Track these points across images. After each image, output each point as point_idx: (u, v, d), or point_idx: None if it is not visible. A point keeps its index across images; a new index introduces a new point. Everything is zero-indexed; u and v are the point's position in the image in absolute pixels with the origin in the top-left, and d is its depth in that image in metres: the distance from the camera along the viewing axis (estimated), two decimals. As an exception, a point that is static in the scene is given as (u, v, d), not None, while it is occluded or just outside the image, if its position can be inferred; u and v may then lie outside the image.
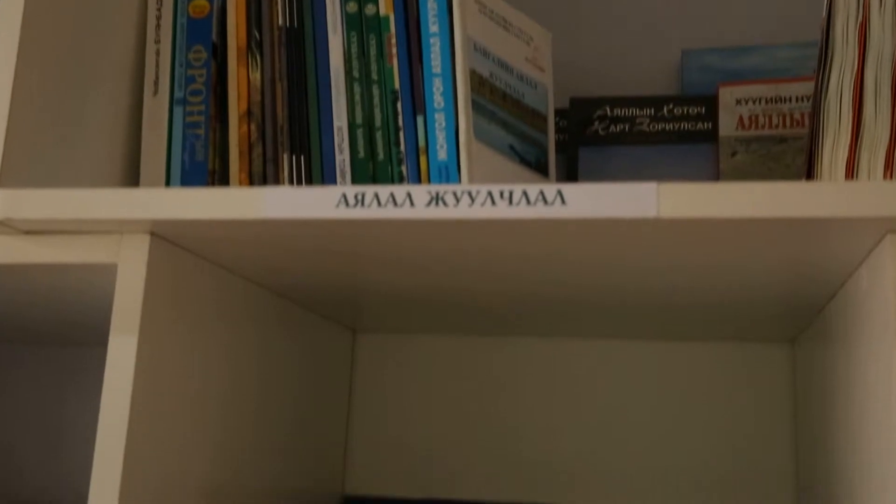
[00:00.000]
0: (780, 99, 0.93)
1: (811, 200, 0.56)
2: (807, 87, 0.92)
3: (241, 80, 0.82)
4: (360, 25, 0.80)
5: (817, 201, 0.56)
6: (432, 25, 0.78)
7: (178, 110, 0.83)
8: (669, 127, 0.97)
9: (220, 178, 0.81)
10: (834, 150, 0.68)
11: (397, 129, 0.78)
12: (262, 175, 0.80)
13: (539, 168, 0.87)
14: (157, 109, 0.84)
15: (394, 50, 0.79)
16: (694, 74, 1.01)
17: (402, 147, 0.78)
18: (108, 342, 0.67)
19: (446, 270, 0.75)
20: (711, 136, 0.95)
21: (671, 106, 0.97)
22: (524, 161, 0.85)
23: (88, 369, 1.21)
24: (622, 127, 0.98)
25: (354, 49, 0.80)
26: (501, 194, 0.60)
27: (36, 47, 0.74)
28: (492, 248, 0.68)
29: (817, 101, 0.71)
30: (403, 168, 0.77)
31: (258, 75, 0.82)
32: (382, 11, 0.80)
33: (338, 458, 1.08)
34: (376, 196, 0.61)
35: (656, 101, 0.98)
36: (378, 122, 0.79)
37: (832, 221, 0.56)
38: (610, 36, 1.12)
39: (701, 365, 1.04)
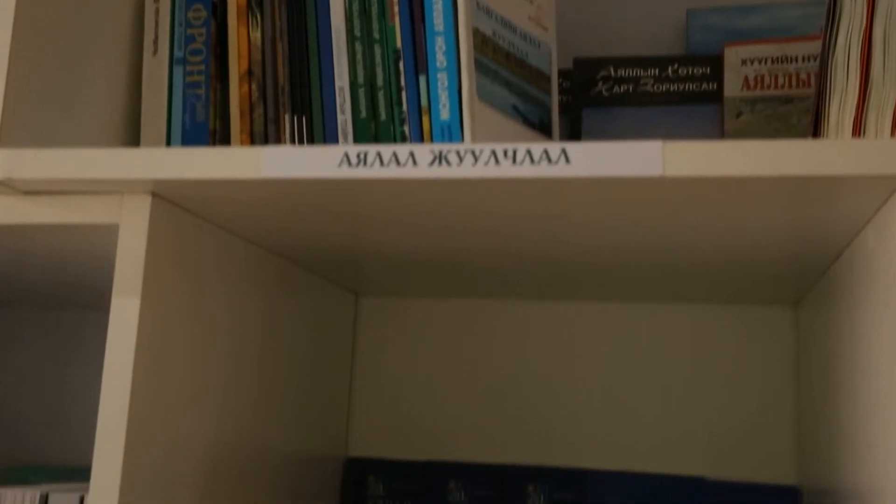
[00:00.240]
0: (787, 59, 0.92)
1: (818, 158, 0.55)
2: (813, 47, 0.91)
3: (241, 39, 0.81)
4: (362, -17, 0.79)
5: (824, 159, 0.55)
6: (435, -17, 0.77)
7: (177, 70, 0.83)
8: (674, 87, 0.96)
9: (221, 138, 0.81)
10: (841, 108, 0.67)
11: (399, 89, 0.77)
12: (264, 135, 0.80)
13: (542, 129, 0.86)
14: (156, 69, 0.83)
15: (395, 8, 0.78)
16: (699, 34, 1.00)
17: (405, 107, 0.77)
18: (111, 303, 0.67)
19: (449, 231, 0.75)
20: (716, 96, 0.95)
21: (676, 66, 0.96)
22: (527, 121, 0.84)
23: (92, 332, 1.21)
24: (626, 87, 0.97)
25: (356, 7, 0.79)
26: (505, 153, 0.59)
27: (34, 7, 0.73)
28: (495, 208, 0.67)
29: (824, 59, 0.70)
30: (406, 128, 0.77)
31: (258, 34, 0.81)
32: (384, -31, 0.79)
33: (341, 421, 1.08)
34: (379, 155, 0.61)
35: (661, 62, 0.97)
36: (380, 82, 0.78)
37: (838, 179, 0.56)
38: (614, -4, 1.11)
39: (704, 327, 1.04)
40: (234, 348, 0.81)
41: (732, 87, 0.93)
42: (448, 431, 1.08)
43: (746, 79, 0.93)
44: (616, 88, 0.97)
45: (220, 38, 0.82)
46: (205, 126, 0.81)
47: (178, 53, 0.83)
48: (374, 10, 0.79)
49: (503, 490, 1.02)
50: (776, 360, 1.02)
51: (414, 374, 1.10)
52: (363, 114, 0.78)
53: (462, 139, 0.76)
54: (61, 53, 0.76)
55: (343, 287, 1.08)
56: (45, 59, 0.74)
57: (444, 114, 0.76)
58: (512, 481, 1.02)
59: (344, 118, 0.78)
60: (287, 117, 0.79)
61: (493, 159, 0.59)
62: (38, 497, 0.70)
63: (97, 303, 1.14)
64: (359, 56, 0.78)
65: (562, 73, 1.01)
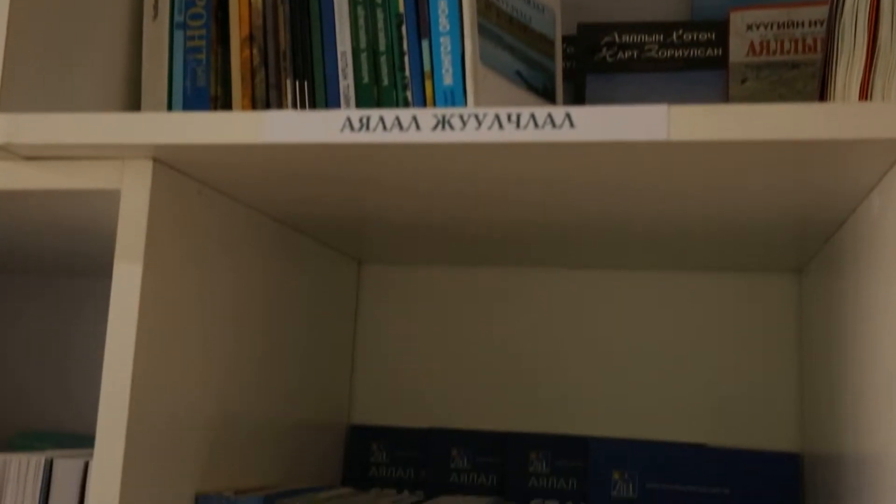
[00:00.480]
0: (793, 24, 0.91)
1: (823, 122, 0.55)
2: (820, 12, 0.90)
3: (242, 3, 0.81)
4: (364, -53, 0.78)
5: (830, 123, 0.55)
6: (437, -54, 0.76)
7: (178, 35, 0.82)
8: (679, 53, 0.95)
9: (223, 104, 0.80)
10: (848, 73, 0.67)
11: (402, 54, 0.77)
12: (266, 101, 0.79)
13: (546, 95, 0.85)
14: (157, 34, 0.83)
15: (398, -28, 0.77)
16: (704, -1, 0.99)
17: (407, 72, 0.76)
18: (113, 268, 0.66)
19: (452, 196, 0.75)
20: (721, 62, 0.94)
21: (681, 32, 0.95)
22: (531, 87, 0.83)
23: (96, 300, 1.21)
24: (631, 53, 0.96)
25: (358, -29, 0.78)
26: (509, 117, 0.59)
27: (32, -31, 0.72)
28: (498, 174, 0.67)
29: (831, 24, 0.69)
30: (408, 93, 0.76)
31: (260, -1, 0.80)
32: (386, -68, 0.78)
33: (344, 389, 1.08)
34: (381, 120, 0.60)
35: (665, 27, 0.96)
36: (382, 47, 0.77)
37: (844, 143, 0.55)
38: (619, -39, 1.09)
39: (707, 295, 1.04)
40: (237, 315, 0.81)
41: (738, 52, 0.92)
42: (451, 399, 1.08)
43: (752, 44, 0.92)
44: (620, 54, 0.96)
45: (221, 3, 0.82)
46: (206, 91, 0.81)
47: (178, 18, 0.82)
48: (377, -27, 0.78)
49: (505, 457, 1.03)
50: (779, 327, 1.02)
51: (417, 341, 1.10)
52: (365, 79, 0.77)
53: (465, 104, 0.75)
54: (61, 18, 0.75)
55: (346, 254, 1.07)
56: (44, 23, 0.73)
57: (448, 79, 0.75)
58: (514, 448, 1.03)
59: (346, 83, 0.77)
60: (289, 82, 0.79)
61: (496, 123, 0.59)
62: (42, 463, 0.71)
63: (100, 270, 1.14)
64: (361, 20, 0.78)
65: (565, 39, 1.00)
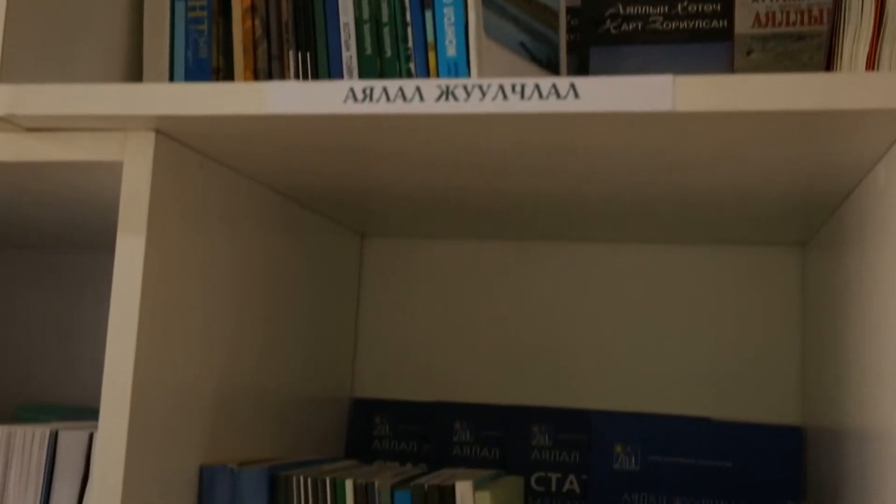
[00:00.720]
0: (799, -6, 0.90)
1: (830, 92, 0.54)
2: (827, -17, 0.89)
3: (243, -26, 0.80)
4: (366, -84, 0.78)
5: (836, 93, 0.54)
6: (441, -84, 0.76)
7: (179, 5, 0.81)
8: (683, 25, 0.94)
9: (225, 75, 0.80)
10: (855, 43, 0.66)
11: (405, 25, 0.76)
12: (268, 72, 0.79)
13: (550, 67, 0.85)
14: (158, 5, 0.82)
15: (401, -58, 0.77)
16: (710, -30, 0.98)
17: (410, 43, 0.76)
18: (116, 241, 0.66)
19: (455, 168, 0.74)
20: (726, 34, 0.93)
21: (685, 3, 0.95)
22: (535, 59, 0.83)
23: (100, 273, 1.21)
24: (635, 25, 0.95)
25: (360, -59, 0.77)
26: (513, 88, 0.58)
27: (32, -61, 0.72)
28: (502, 145, 0.66)
29: (839, -7, 0.69)
30: (412, 65, 0.76)
31: (261, -30, 0.80)
32: None
33: (347, 362, 1.08)
34: (385, 90, 0.60)
35: (670, -1, 0.95)
36: (385, 18, 0.77)
37: (851, 114, 0.55)
38: (623, -68, 1.08)
39: (711, 269, 1.04)
40: (239, 288, 0.81)
41: (743, 23, 0.91)
42: (454, 372, 1.08)
43: (758, 15, 0.91)
44: (624, 26, 0.96)
45: (223, -26, 0.81)
46: (208, 62, 0.80)
47: (179, -12, 0.81)
48: (379, -57, 0.77)
49: (509, 430, 1.03)
50: (783, 301, 1.02)
51: (420, 314, 1.10)
52: (368, 50, 0.77)
53: (468, 76, 0.75)
54: (61, -12, 0.75)
55: (348, 228, 1.07)
56: (44, -6, 0.73)
57: (451, 50, 0.75)
58: (517, 422, 1.03)
59: (349, 55, 0.77)
60: (291, 54, 0.78)
61: (500, 94, 0.58)
62: (47, 434, 0.71)
63: (103, 244, 1.14)
64: (363, -9, 0.77)
65: (569, 11, 0.99)
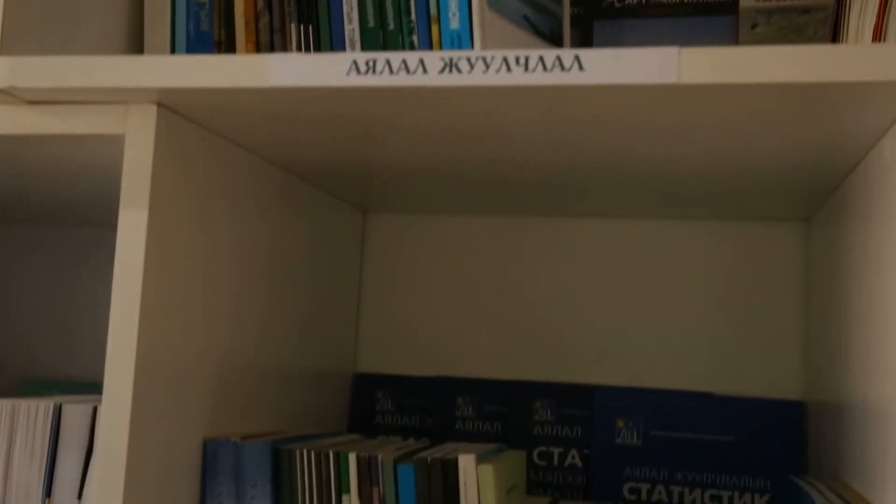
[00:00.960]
0: (805, -33, 0.89)
1: (836, 64, 0.54)
2: (833, -44, 0.89)
3: (245, -54, 0.79)
4: None
5: (843, 65, 0.54)
6: None
7: (180, -22, 0.81)
8: (688, -2, 0.94)
9: (226, 48, 0.79)
10: (861, 15, 0.66)
11: (408, -3, 0.76)
12: (270, 45, 0.78)
13: (553, 40, 0.84)
14: (159, -23, 0.82)
15: (404, -87, 0.76)
16: (715, -57, 0.97)
17: (413, 16, 0.75)
18: (119, 214, 0.66)
19: (458, 141, 0.74)
20: (731, 7, 0.92)
21: (690, -24, 0.94)
22: (538, 32, 0.82)
23: (103, 249, 1.21)
24: (639, -1, 0.95)
25: (363, -87, 0.77)
26: (517, 60, 0.58)
27: (31, -90, 0.71)
28: (505, 119, 0.66)
29: (845, -35, 0.68)
30: (414, 37, 0.75)
31: (263, -59, 0.79)
32: None
33: (349, 337, 1.09)
34: (388, 63, 0.59)
35: (675, -28, 0.95)
36: (388, -10, 0.76)
37: (857, 86, 0.54)
38: None
39: (714, 244, 1.04)
40: (242, 263, 0.81)
41: (748, -3, 0.91)
42: (456, 347, 1.08)
43: (763, -12, 0.90)
44: (628, 0, 0.95)
45: (224, -54, 0.80)
46: (209, 35, 0.80)
47: (180, -39, 0.81)
48: (382, -85, 0.76)
49: (511, 405, 1.03)
50: (786, 276, 1.02)
51: (422, 290, 1.10)
52: (371, 23, 0.76)
53: (472, 49, 0.74)
54: (61, -40, 0.74)
55: (351, 203, 1.07)
56: (45, -35, 0.72)
57: (454, 23, 0.74)
58: (520, 397, 1.03)
59: (351, 27, 0.76)
60: (293, 26, 0.78)
61: (504, 66, 0.58)
62: (51, 408, 0.71)
63: (107, 219, 1.13)
64: (366, -37, 0.77)
65: (573, -16, 0.98)
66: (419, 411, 1.06)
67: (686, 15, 0.93)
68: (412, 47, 0.75)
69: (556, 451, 1.01)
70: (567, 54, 0.57)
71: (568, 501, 0.79)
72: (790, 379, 1.00)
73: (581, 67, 0.57)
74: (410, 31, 0.75)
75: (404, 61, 0.59)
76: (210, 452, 0.74)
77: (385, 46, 0.76)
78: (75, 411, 0.71)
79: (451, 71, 0.59)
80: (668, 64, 0.56)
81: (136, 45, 0.83)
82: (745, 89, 0.56)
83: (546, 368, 1.06)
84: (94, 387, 1.05)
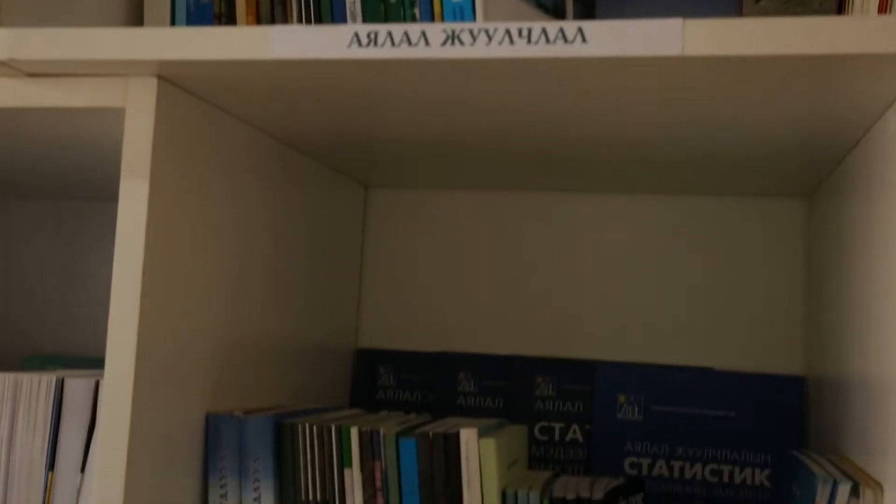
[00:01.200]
0: (810, -60, 0.88)
1: (842, 35, 0.53)
2: (838, -72, 0.88)
3: (245, -82, 0.79)
4: None
5: (848, 36, 0.53)
6: None
7: (180, -50, 0.80)
8: (692, -28, 0.93)
9: (227, 21, 0.79)
10: (867, -12, 0.65)
11: (410, -31, 0.75)
12: (270, 17, 0.78)
13: (556, 13, 0.84)
14: (158, -50, 0.81)
15: None
16: (719, -84, 0.96)
17: (415, -12, 0.75)
18: (119, 187, 0.66)
19: (460, 115, 0.74)
20: (735, -19, 0.92)
21: (694, -51, 0.93)
22: (540, 5, 0.82)
23: (104, 224, 1.21)
24: (642, -28, 0.94)
25: None
26: (520, 32, 0.58)
27: None
28: (508, 91, 0.66)
29: (851, -63, 0.68)
30: (416, 10, 0.75)
31: (263, -87, 0.78)
32: None
33: (351, 313, 1.09)
34: (390, 35, 0.59)
35: (678, -55, 0.94)
36: (389, -37, 0.76)
37: (862, 58, 0.54)
38: None
39: (715, 219, 1.03)
40: (243, 237, 0.81)
41: (753, -30, 0.90)
42: (458, 323, 1.09)
43: (767, -38, 0.89)
44: (632, -27, 0.94)
45: (224, -83, 0.80)
46: (209, 8, 0.79)
47: (180, -67, 0.80)
48: None
49: (512, 381, 1.04)
50: (787, 252, 1.02)
51: (423, 265, 1.10)
52: (372, -4, 0.76)
53: (474, 21, 0.73)
54: (60, -68, 0.74)
55: (352, 179, 1.07)
56: (43, -63, 0.72)
57: (456, -5, 0.74)
58: (521, 372, 1.04)
59: (352, 0, 0.76)
60: (294, -1, 0.77)
61: (507, 39, 0.58)
62: (53, 382, 0.71)
63: (108, 193, 1.13)
64: (367, -65, 0.76)
65: (576, -42, 0.97)
66: (421, 387, 1.06)
67: (690, -12, 0.93)
68: (414, 20, 0.75)
69: (557, 426, 1.01)
70: (570, 26, 0.57)
71: (569, 476, 0.79)
72: (791, 354, 1.01)
73: (584, 39, 0.57)
74: (412, 3, 0.75)
75: (406, 33, 0.59)
76: (212, 427, 0.74)
77: (387, 18, 0.75)
78: (78, 385, 0.71)
79: (453, 43, 0.58)
80: (672, 36, 0.56)
81: (135, 17, 0.83)
82: (749, 61, 0.56)
83: (547, 344, 1.06)
84: (96, 362, 1.05)
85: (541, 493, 0.70)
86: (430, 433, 0.71)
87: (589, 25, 0.57)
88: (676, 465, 0.97)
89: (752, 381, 0.97)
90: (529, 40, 0.57)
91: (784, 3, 0.88)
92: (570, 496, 0.70)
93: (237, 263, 0.79)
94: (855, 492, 0.61)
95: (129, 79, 0.66)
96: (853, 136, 0.73)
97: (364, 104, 0.71)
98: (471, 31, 0.58)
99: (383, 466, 0.72)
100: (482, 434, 0.71)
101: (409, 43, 0.59)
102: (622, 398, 1.00)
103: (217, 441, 0.74)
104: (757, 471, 0.96)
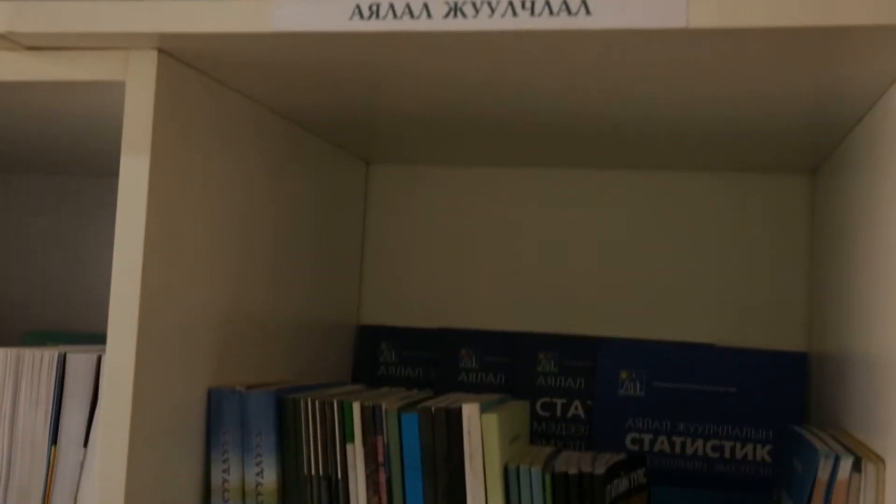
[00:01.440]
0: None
1: (848, 6, 0.53)
2: None
3: None
4: None
5: (855, 7, 0.53)
6: None
7: (180, -78, 0.79)
8: (696, -55, 0.92)
9: (228, -5, 0.78)
10: (873, -40, 0.64)
11: (412, -58, 0.74)
12: (271, -9, 0.77)
13: (559, -13, 0.83)
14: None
15: None
16: None
17: (417, -39, 0.74)
18: (120, 162, 0.66)
19: (462, 89, 0.73)
20: (740, -46, 0.91)
21: (699, -78, 0.92)
22: (544, -21, 0.81)
23: (106, 199, 1.21)
24: (646, -55, 0.93)
25: None
26: (523, 4, 0.57)
27: None
28: (511, 64, 0.65)
29: None
30: (418, -17, 0.74)
31: None
32: None
33: (353, 289, 1.08)
34: (392, 7, 0.59)
35: (683, -82, 0.93)
36: (391, -65, 0.75)
37: (869, 29, 0.53)
38: None
39: (719, 195, 1.03)
40: (244, 212, 0.80)
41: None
42: (460, 299, 1.08)
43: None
44: (636, -54, 0.93)
45: None
46: (210, -19, 0.78)
47: None
48: None
49: (514, 357, 1.04)
50: (791, 228, 1.01)
51: (425, 241, 1.10)
52: (374, -32, 0.75)
53: (476, -5, 0.73)
54: None
55: (353, 154, 1.06)
56: None
57: (458, -32, 0.73)
58: (523, 348, 1.04)
59: (354, -27, 0.75)
60: (295, -28, 0.76)
61: (510, 10, 0.57)
62: (56, 357, 0.71)
63: (110, 168, 1.13)
64: None
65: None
66: (423, 363, 1.07)
67: (694, -38, 0.92)
68: (416, -7, 0.74)
69: (559, 402, 1.02)
70: (574, -2, 0.56)
71: (571, 452, 0.79)
72: (794, 330, 1.00)
73: (588, 11, 0.56)
74: (414, -23, 0.74)
75: (408, 5, 0.58)
76: (215, 402, 0.74)
77: (388, -8, 0.75)
78: (80, 360, 0.71)
79: (455, 15, 0.58)
80: (677, 8, 0.55)
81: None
82: (754, 33, 0.55)
83: (549, 320, 1.06)
84: (99, 338, 1.05)
85: (542, 468, 0.71)
86: (433, 408, 0.71)
87: (593, -3, 0.56)
88: (678, 440, 0.98)
89: (753, 357, 0.97)
90: (533, 12, 0.57)
91: (789, -23, 0.87)
92: (572, 471, 0.70)
93: (239, 238, 0.79)
94: (857, 466, 0.61)
95: (130, 52, 0.66)
96: (858, 110, 0.72)
97: (365, 77, 0.71)
98: (473, 4, 0.58)
99: (385, 441, 0.72)
100: (484, 409, 0.71)
101: (412, 15, 0.58)
102: (624, 374, 1.00)
103: (219, 416, 0.74)
104: (758, 447, 0.96)
